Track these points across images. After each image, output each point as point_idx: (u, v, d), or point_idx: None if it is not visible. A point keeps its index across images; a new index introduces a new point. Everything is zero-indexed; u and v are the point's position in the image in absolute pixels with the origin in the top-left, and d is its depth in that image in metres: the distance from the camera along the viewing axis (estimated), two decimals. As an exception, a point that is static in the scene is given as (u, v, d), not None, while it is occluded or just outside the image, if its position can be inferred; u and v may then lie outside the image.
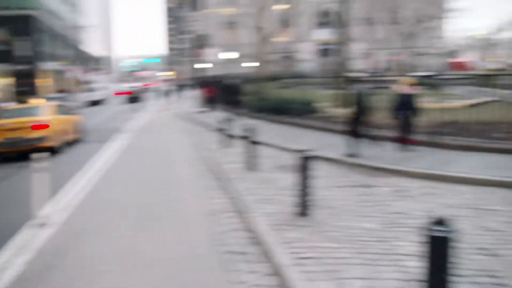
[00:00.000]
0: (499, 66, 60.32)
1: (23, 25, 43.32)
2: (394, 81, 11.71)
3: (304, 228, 6.26)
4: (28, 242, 6.53)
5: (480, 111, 12.40)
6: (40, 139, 14.05)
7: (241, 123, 13.31)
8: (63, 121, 15.89)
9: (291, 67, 50.05)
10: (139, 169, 11.74)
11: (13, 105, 22.87)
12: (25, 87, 42.03)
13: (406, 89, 10.85)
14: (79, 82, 57.01)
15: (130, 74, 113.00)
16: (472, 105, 14.56)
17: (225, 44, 61.47)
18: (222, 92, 23.72)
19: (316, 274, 4.86)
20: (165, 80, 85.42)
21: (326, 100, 18.49)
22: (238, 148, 12.41)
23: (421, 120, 11.17)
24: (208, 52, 54.51)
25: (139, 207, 8.15)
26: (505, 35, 66.10)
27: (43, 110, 15.15)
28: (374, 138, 11.28)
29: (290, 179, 8.30)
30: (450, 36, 71.21)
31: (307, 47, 55.83)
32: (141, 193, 9.20)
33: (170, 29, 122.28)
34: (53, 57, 50.45)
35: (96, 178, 10.67)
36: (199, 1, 62.39)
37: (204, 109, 26.73)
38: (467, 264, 4.93)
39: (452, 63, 65.41)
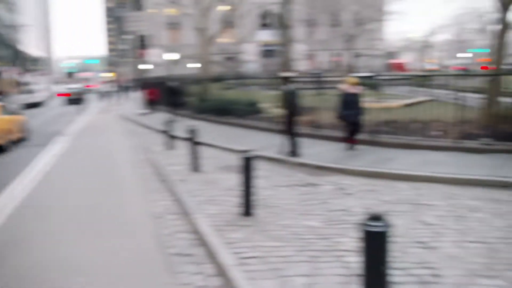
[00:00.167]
0: (435, 67, 62.88)
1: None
2: (335, 82, 11.94)
3: (248, 228, 6.28)
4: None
5: (417, 110, 12.86)
6: None
7: (184, 125, 13.20)
8: (8, 120, 16.12)
9: (235, 68, 50.12)
10: (81, 173, 11.42)
11: None
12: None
13: (351, 89, 11.05)
14: (16, 84, 54.74)
15: (71, 75, 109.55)
16: (408, 105, 15.08)
17: (168, 45, 60.78)
18: (165, 94, 23.44)
19: (260, 273, 4.89)
20: (108, 82, 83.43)
21: (269, 101, 18.62)
22: (181, 150, 12.31)
23: (363, 120, 11.45)
24: (151, 53, 53.68)
25: (80, 212, 7.92)
26: (439, 37, 68.92)
27: None
28: (309, 136, 11.42)
29: (234, 180, 8.31)
30: (389, 38, 73.59)
31: (250, 48, 55.98)
32: (83, 197, 8.94)
33: (109, 30, 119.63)
34: (-12, 58, 48.24)
35: (35, 182, 10.29)
36: (140, 1, 61.43)
37: (146, 111, 26.36)
38: (404, 257, 5.10)
39: (391, 64, 67.56)
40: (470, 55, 68.84)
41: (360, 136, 11.52)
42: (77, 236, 6.73)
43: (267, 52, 57.86)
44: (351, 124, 11.21)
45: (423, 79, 19.95)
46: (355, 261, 4.86)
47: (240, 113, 17.54)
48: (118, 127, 21.80)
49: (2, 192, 9.51)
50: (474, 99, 12.44)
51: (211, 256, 5.55)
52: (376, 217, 3.45)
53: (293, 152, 10.78)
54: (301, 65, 49.51)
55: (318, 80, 19.41)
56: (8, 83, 52.85)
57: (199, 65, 24.88)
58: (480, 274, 4.70)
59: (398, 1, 75.26)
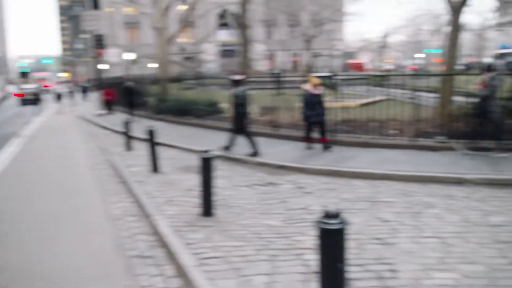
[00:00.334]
0: (392, 67, 64.27)
1: None
2: (295, 82, 12.02)
3: (208, 228, 6.27)
4: None
5: (374, 110, 13.08)
6: None
7: (143, 125, 13.06)
8: None
9: (195, 68, 49.87)
10: (38, 175, 11.13)
11: None
12: None
13: (313, 89, 11.12)
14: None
15: (25, 75, 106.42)
16: (366, 104, 15.34)
17: (126, 44, 59.97)
18: (122, 94, 23.06)
19: (221, 273, 4.89)
20: (65, 82, 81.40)
21: (228, 101, 18.61)
22: (141, 151, 12.17)
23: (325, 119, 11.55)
24: (110, 53, 52.79)
25: (36, 216, 7.71)
26: (395, 38, 70.38)
27: None
28: (269, 136, 11.52)
29: (193, 180, 8.29)
30: (347, 39, 74.74)
31: (210, 48, 55.92)
32: (38, 202, 8.68)
33: (63, 29, 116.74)
34: None
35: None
36: (97, -1, 60.35)
37: (104, 111, 25.90)
38: (362, 253, 5.21)
39: (350, 64, 68.65)
40: (425, 55, 70.68)
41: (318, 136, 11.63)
42: (34, 241, 6.55)
43: (227, 52, 57.91)
44: (315, 124, 11.30)
45: (380, 79, 20.30)
46: (314, 259, 4.92)
47: (200, 113, 17.47)
48: (76, 128, 21.34)
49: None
50: (429, 99, 12.78)
51: (171, 258, 5.52)
52: (331, 215, 3.49)
53: (255, 153, 10.81)
54: (261, 65, 49.74)
55: (277, 80, 19.50)
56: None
57: (158, 65, 24.61)
58: (435, 268, 4.84)
59: (356, 2, 76.65)
